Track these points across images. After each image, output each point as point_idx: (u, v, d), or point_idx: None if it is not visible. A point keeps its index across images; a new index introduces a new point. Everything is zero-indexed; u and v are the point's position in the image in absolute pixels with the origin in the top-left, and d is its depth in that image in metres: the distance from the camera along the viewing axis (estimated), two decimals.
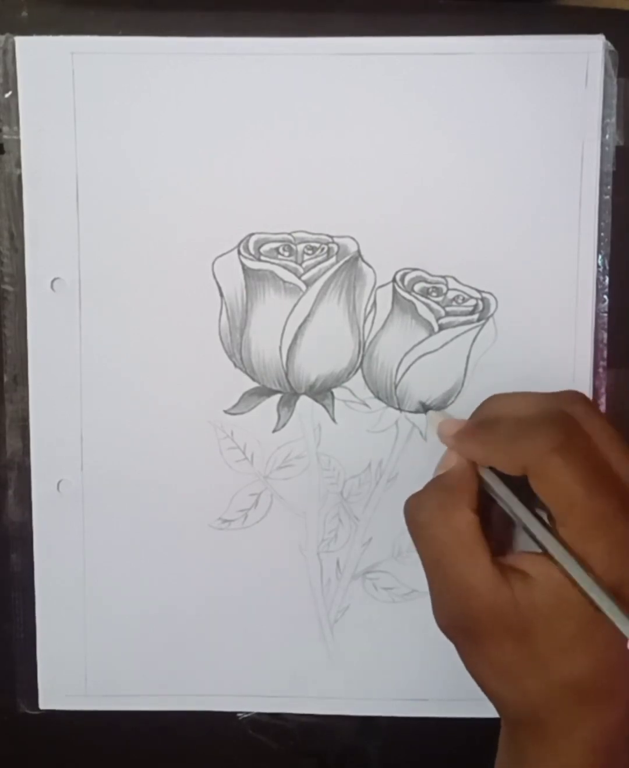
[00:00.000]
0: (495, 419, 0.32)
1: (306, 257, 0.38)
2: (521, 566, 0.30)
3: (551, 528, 0.30)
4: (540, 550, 0.30)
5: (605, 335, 0.38)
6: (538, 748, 0.31)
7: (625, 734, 0.31)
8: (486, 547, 0.30)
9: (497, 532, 0.32)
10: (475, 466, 0.32)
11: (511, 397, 0.33)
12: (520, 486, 0.31)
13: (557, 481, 0.29)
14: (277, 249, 0.38)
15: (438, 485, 0.32)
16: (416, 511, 0.31)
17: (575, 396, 0.32)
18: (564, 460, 0.29)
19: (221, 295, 0.38)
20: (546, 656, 0.29)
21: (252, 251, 0.38)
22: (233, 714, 0.40)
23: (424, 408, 0.37)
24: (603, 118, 0.37)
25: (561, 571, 0.29)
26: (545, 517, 0.30)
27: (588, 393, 0.38)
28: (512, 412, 0.32)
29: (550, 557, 0.29)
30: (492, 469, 0.31)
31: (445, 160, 0.37)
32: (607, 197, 0.37)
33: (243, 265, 0.38)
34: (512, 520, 0.31)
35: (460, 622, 0.30)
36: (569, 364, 0.38)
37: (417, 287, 0.38)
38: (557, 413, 0.30)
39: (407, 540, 0.39)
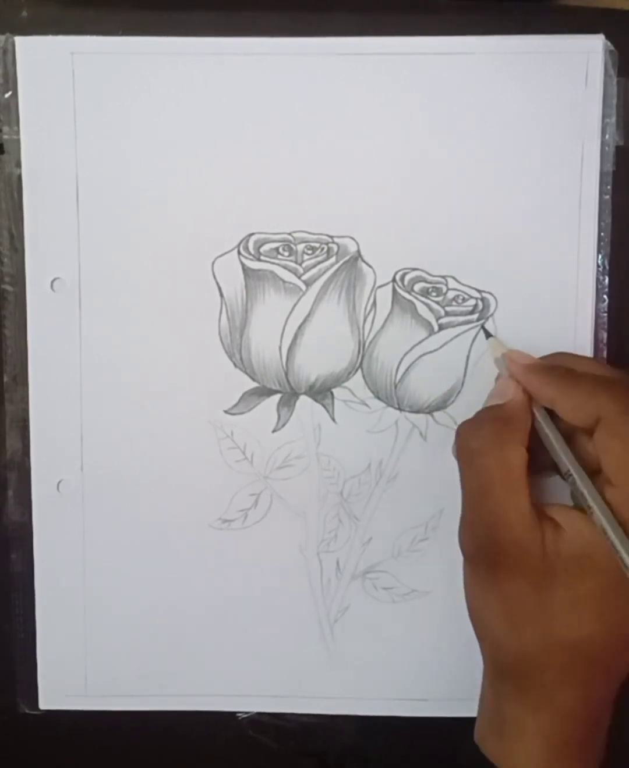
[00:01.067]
0: (569, 368, 0.32)
1: (306, 257, 0.38)
2: (554, 516, 0.30)
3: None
4: (572, 504, 0.31)
5: (605, 335, 0.38)
6: (517, 704, 0.31)
7: (607, 713, 0.31)
8: (527, 487, 0.30)
9: (535, 477, 0.33)
10: (531, 405, 0.32)
11: (582, 357, 0.34)
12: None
13: (626, 439, 0.29)
14: (277, 249, 0.38)
15: (496, 415, 0.32)
16: (469, 436, 0.32)
17: None
18: None
19: (221, 295, 0.38)
20: (557, 608, 0.30)
21: (252, 251, 0.38)
22: (233, 714, 0.40)
23: (486, 333, 0.37)
24: (603, 118, 0.37)
25: (594, 528, 0.29)
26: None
27: None
28: (584, 369, 0.32)
29: (584, 514, 0.30)
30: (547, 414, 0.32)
31: (445, 159, 0.37)
32: (607, 197, 0.37)
33: (243, 265, 0.38)
34: (546, 468, 0.32)
35: (487, 549, 0.31)
36: None
37: (417, 287, 0.38)
38: None
39: (407, 540, 0.39)
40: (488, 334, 0.37)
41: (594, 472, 0.31)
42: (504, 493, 0.30)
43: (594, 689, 0.30)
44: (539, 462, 0.32)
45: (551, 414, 0.32)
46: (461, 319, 0.38)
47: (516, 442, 0.31)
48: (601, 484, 0.30)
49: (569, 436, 0.32)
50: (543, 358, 0.34)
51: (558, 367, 0.33)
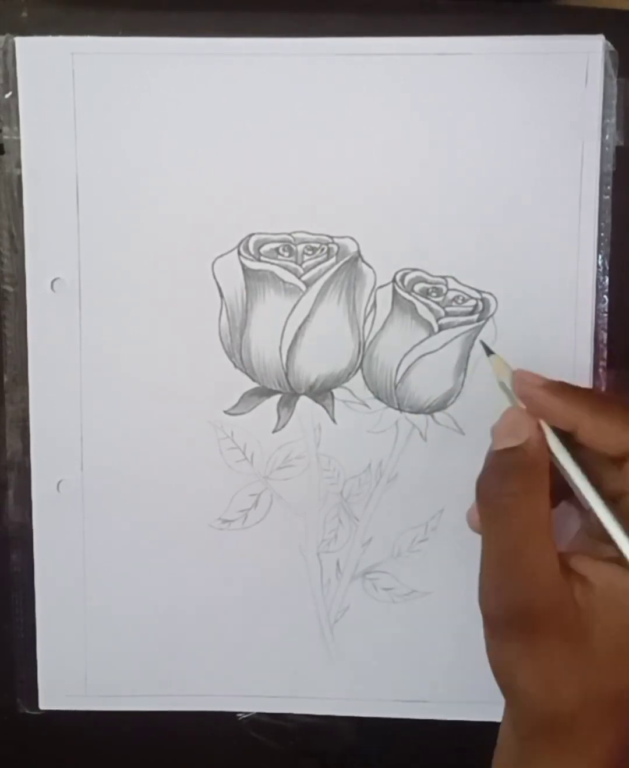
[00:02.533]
0: (596, 391, 0.30)
1: (306, 257, 0.38)
2: (580, 570, 0.29)
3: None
4: (593, 553, 0.29)
5: (605, 335, 0.38)
6: (550, 759, 0.29)
7: None
8: (554, 542, 0.29)
9: None
10: (545, 441, 0.30)
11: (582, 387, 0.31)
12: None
13: None
14: (277, 249, 0.38)
15: (520, 463, 0.29)
16: (498, 492, 0.29)
17: None
18: None
19: (221, 295, 0.38)
20: (597, 663, 0.28)
21: (252, 251, 0.38)
22: (233, 714, 0.40)
23: (487, 350, 0.33)
24: (603, 118, 0.37)
25: (623, 577, 0.28)
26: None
27: None
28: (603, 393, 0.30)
29: (609, 563, 0.29)
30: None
31: (445, 160, 0.37)
32: (607, 197, 0.37)
33: (243, 266, 0.38)
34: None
35: (518, 613, 0.29)
36: (569, 364, 0.38)
37: (417, 287, 0.38)
38: None
39: (407, 540, 0.39)
40: (489, 351, 0.33)
41: (610, 500, 0.30)
42: (537, 553, 0.28)
43: (628, 734, 0.30)
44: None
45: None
46: (461, 319, 0.38)
47: (544, 493, 0.29)
48: (626, 516, 0.29)
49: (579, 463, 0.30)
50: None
51: (584, 388, 0.30)
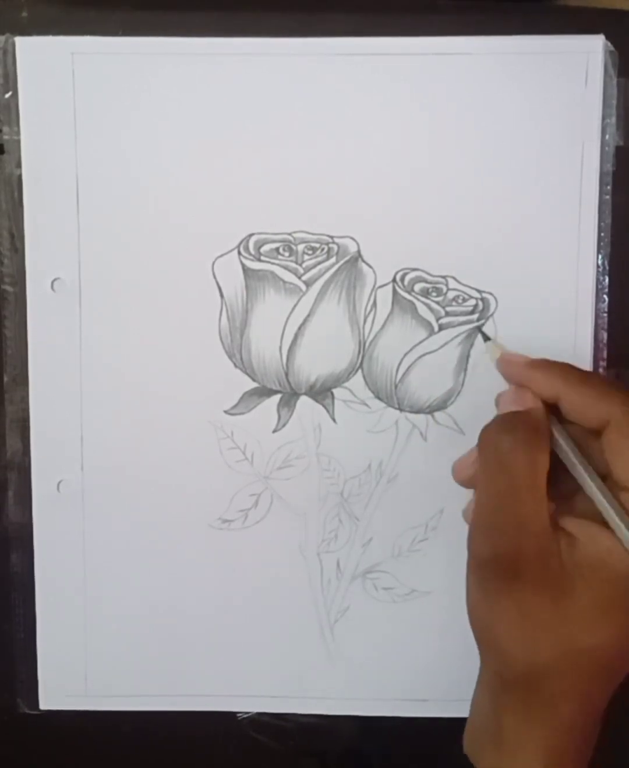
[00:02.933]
0: (574, 366, 0.32)
1: (306, 257, 0.38)
2: (567, 527, 0.30)
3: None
4: (583, 516, 0.30)
5: (605, 335, 0.38)
6: (519, 716, 0.30)
7: (600, 721, 0.31)
8: (546, 493, 0.30)
9: None
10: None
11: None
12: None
13: None
14: (277, 249, 0.38)
15: (522, 421, 0.31)
16: (500, 437, 0.31)
17: None
18: None
19: (221, 295, 0.38)
20: (575, 618, 0.29)
21: (252, 251, 0.38)
22: (233, 714, 0.40)
23: (484, 336, 0.36)
24: (603, 118, 0.37)
25: (607, 535, 0.29)
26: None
27: None
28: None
29: (595, 523, 0.30)
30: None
31: (445, 160, 0.37)
32: (607, 197, 0.37)
33: (243, 266, 0.38)
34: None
35: (506, 555, 0.30)
36: None
37: (417, 287, 0.38)
38: None
39: (407, 540, 0.39)
40: (486, 337, 0.36)
41: (602, 475, 0.31)
42: (529, 498, 0.30)
43: (596, 698, 0.30)
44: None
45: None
46: (461, 319, 0.38)
47: (544, 449, 0.30)
48: (612, 488, 0.30)
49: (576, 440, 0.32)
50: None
51: (563, 364, 0.32)
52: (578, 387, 0.31)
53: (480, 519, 0.31)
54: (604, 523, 0.30)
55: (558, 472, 0.31)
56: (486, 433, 0.32)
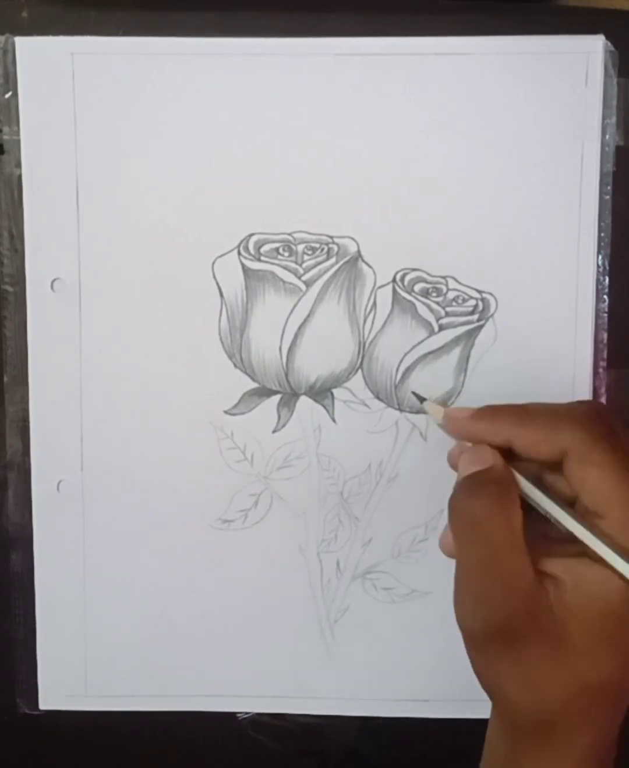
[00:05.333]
0: (518, 405, 0.31)
1: (306, 257, 0.38)
2: (550, 570, 0.29)
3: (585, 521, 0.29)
4: (560, 553, 0.30)
5: (605, 335, 0.38)
6: (537, 753, 0.30)
7: (616, 741, 0.31)
8: (527, 551, 0.29)
9: None
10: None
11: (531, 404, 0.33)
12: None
13: (603, 467, 0.28)
14: (277, 249, 0.38)
15: (490, 479, 0.31)
16: (470, 506, 0.30)
17: (597, 403, 0.32)
18: (610, 446, 0.29)
19: (221, 295, 0.38)
20: (576, 660, 0.29)
21: (252, 251, 0.38)
22: (233, 714, 0.40)
23: (419, 398, 0.36)
24: (603, 118, 0.37)
25: (592, 569, 0.29)
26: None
27: (588, 393, 0.38)
28: (536, 406, 0.31)
29: (575, 558, 0.29)
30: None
31: (445, 160, 0.37)
32: (607, 197, 0.37)
33: (243, 266, 0.38)
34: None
35: (499, 624, 0.29)
36: (569, 364, 0.38)
37: (417, 287, 0.38)
38: (596, 405, 0.31)
39: (407, 540, 0.39)
40: (421, 398, 0.36)
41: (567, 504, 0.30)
42: (512, 559, 0.29)
43: (610, 723, 0.30)
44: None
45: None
46: (461, 319, 0.38)
47: (516, 504, 0.30)
48: (585, 517, 0.29)
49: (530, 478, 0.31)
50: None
51: (506, 406, 0.32)
52: (527, 427, 0.30)
53: (464, 590, 0.30)
54: (584, 556, 0.29)
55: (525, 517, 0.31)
56: (455, 501, 0.31)
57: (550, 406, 0.31)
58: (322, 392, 0.38)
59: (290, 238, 0.38)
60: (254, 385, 0.38)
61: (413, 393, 0.37)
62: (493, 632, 0.30)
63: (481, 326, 0.38)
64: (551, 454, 0.30)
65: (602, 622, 0.29)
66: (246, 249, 0.38)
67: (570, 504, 0.30)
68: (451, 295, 0.38)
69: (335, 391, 0.38)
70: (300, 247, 0.38)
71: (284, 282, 0.38)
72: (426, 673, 0.39)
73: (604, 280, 0.38)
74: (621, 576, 0.28)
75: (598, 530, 0.29)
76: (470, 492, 0.31)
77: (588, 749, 0.30)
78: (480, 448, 0.31)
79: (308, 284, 0.38)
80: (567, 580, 0.29)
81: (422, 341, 0.38)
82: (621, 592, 0.29)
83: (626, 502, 0.28)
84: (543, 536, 0.31)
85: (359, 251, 0.38)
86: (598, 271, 0.38)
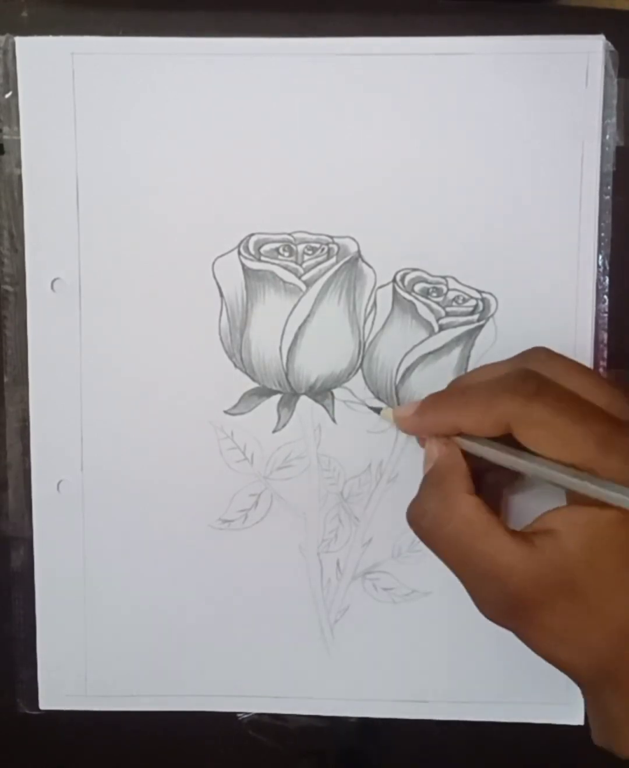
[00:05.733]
0: (455, 388, 0.32)
1: (306, 257, 0.38)
2: (540, 527, 0.29)
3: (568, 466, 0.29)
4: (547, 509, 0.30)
5: (605, 335, 0.38)
6: (619, 703, 0.30)
7: None
8: (499, 523, 0.29)
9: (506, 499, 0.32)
10: (460, 452, 0.31)
11: (468, 373, 0.34)
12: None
13: (545, 423, 0.29)
14: (277, 249, 0.38)
15: (430, 482, 0.32)
16: (420, 517, 0.31)
17: (533, 350, 0.32)
18: (546, 401, 0.29)
19: (221, 295, 0.38)
20: (599, 603, 0.29)
21: (252, 251, 0.38)
22: (233, 714, 0.40)
23: (374, 410, 0.37)
24: (603, 119, 0.37)
25: (583, 513, 0.29)
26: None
27: None
28: (477, 379, 0.32)
29: (565, 508, 0.29)
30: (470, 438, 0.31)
31: (445, 160, 0.37)
32: (607, 197, 0.37)
33: (243, 266, 0.38)
34: (499, 496, 0.31)
35: (506, 605, 0.30)
36: None
37: (417, 287, 0.38)
38: (522, 370, 0.31)
39: (407, 540, 0.39)
40: (377, 410, 0.36)
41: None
42: (481, 545, 0.29)
43: None
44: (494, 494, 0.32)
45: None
46: (461, 319, 0.38)
47: (460, 494, 0.30)
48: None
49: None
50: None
51: (443, 392, 0.32)
52: (466, 408, 0.30)
53: (464, 585, 0.31)
54: (566, 507, 0.30)
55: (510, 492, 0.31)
56: (407, 517, 0.32)
57: (484, 382, 0.31)
58: (322, 392, 0.38)
59: (290, 238, 0.38)
60: (254, 385, 0.38)
61: (369, 406, 0.38)
62: (506, 611, 0.30)
63: (481, 326, 0.38)
64: (497, 428, 0.30)
65: (609, 559, 0.29)
66: (246, 249, 0.38)
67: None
68: (451, 295, 0.38)
69: (335, 391, 0.38)
70: (300, 247, 0.38)
71: (284, 282, 0.38)
72: (426, 674, 0.39)
73: (604, 280, 0.38)
74: (611, 505, 0.28)
75: (572, 472, 0.29)
76: (414, 503, 0.32)
77: None
78: (427, 445, 0.32)
79: (308, 284, 0.38)
80: (559, 530, 0.29)
81: (422, 341, 0.38)
82: (614, 523, 0.28)
83: (583, 443, 0.28)
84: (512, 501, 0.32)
85: (359, 251, 0.38)
86: (598, 271, 0.38)
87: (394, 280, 0.38)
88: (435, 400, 0.32)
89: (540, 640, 0.30)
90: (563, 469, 0.29)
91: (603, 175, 0.37)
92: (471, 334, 0.38)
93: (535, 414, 0.29)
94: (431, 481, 0.32)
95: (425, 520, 0.31)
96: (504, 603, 0.30)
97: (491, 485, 0.34)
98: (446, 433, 0.32)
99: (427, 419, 0.32)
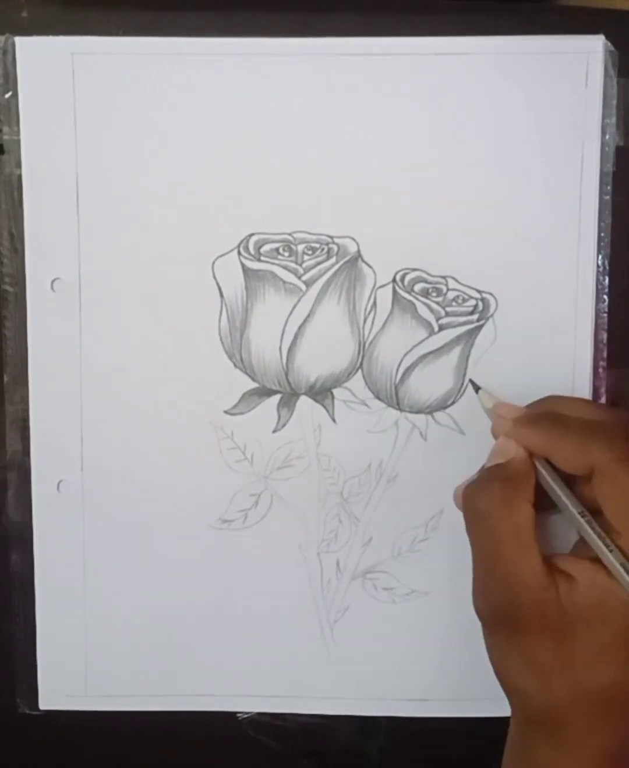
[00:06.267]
0: (558, 414, 0.32)
1: (306, 257, 0.38)
2: (567, 568, 0.30)
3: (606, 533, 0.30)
4: (584, 555, 0.30)
5: (605, 335, 0.38)
6: (550, 750, 0.31)
7: None
8: (538, 545, 0.30)
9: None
10: (532, 460, 0.32)
11: (571, 399, 0.34)
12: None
13: (625, 487, 0.29)
14: (277, 249, 0.38)
15: (501, 475, 0.32)
16: (477, 499, 0.32)
17: None
18: None
19: (221, 295, 0.38)
20: (580, 660, 0.30)
21: (252, 251, 0.38)
22: (233, 714, 0.40)
23: (475, 386, 0.36)
24: (603, 118, 0.37)
25: (606, 576, 0.29)
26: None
27: (588, 393, 0.38)
28: (574, 413, 0.32)
29: (594, 563, 0.30)
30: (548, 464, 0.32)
31: (445, 160, 0.37)
32: (607, 197, 0.37)
33: (243, 266, 0.38)
34: (550, 507, 0.32)
35: (503, 612, 0.31)
36: (569, 364, 0.38)
37: (417, 287, 0.38)
38: (624, 421, 0.31)
39: (407, 540, 0.39)
40: (476, 387, 0.36)
41: (597, 513, 0.31)
42: (516, 555, 0.30)
43: (624, 728, 0.30)
44: (543, 502, 0.32)
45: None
46: (461, 319, 0.38)
47: (523, 501, 0.31)
48: (605, 528, 0.30)
49: (572, 478, 0.32)
50: (532, 404, 0.34)
51: (547, 415, 0.32)
52: (560, 441, 0.31)
53: (476, 578, 0.32)
54: (602, 563, 0.30)
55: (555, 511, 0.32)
56: (467, 491, 0.32)
57: (586, 421, 0.31)
58: (322, 392, 0.38)
59: (290, 238, 0.38)
60: (254, 385, 0.38)
61: (471, 381, 0.37)
62: (499, 618, 0.31)
63: (481, 326, 0.38)
64: (582, 468, 0.30)
65: (606, 629, 0.29)
66: (246, 249, 0.38)
67: (599, 511, 0.31)
68: (451, 295, 0.38)
69: (335, 391, 0.38)
70: (300, 247, 0.38)
71: (284, 282, 0.38)
72: (426, 673, 0.39)
73: (604, 280, 0.38)
74: (624, 588, 0.29)
75: (612, 541, 0.30)
76: (480, 485, 0.32)
77: (604, 749, 0.30)
78: (505, 440, 0.33)
79: (308, 284, 0.38)
80: (581, 581, 0.30)
81: (422, 341, 0.38)
82: (625, 604, 0.29)
83: None
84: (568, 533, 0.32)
85: (359, 251, 0.38)
86: (598, 271, 0.38)
87: (394, 280, 0.38)
88: (537, 420, 0.32)
89: (508, 658, 0.31)
90: (604, 540, 0.30)
91: (602, 175, 0.37)
92: (471, 334, 0.38)
93: (621, 477, 0.29)
94: (500, 475, 0.32)
95: (479, 505, 0.31)
96: (501, 610, 0.31)
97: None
98: (531, 452, 0.32)
99: (522, 433, 0.32)
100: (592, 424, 0.31)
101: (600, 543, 0.30)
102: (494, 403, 0.34)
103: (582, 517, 0.31)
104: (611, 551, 0.30)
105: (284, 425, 0.39)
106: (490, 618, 0.31)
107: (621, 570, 0.29)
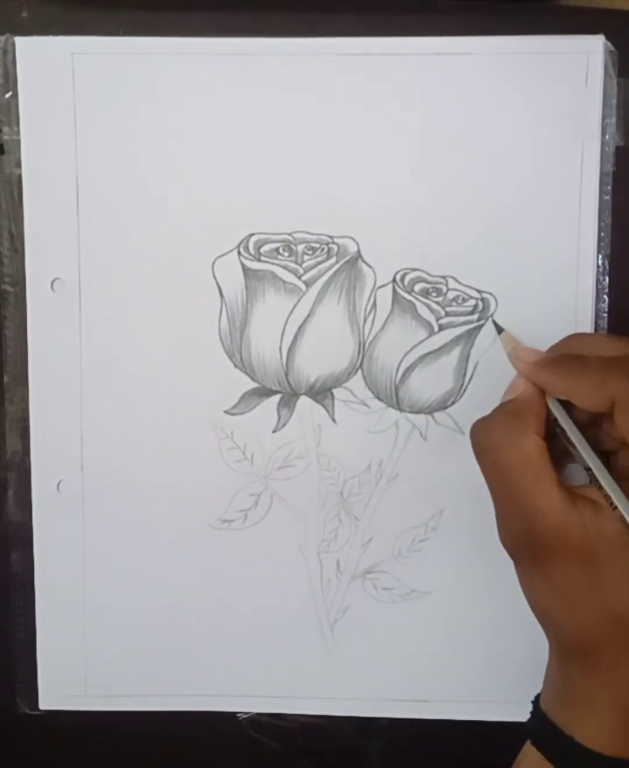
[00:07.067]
0: (577, 355, 0.32)
1: (306, 257, 0.38)
2: (591, 495, 0.31)
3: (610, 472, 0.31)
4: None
5: None
6: (587, 678, 0.31)
7: None
8: (552, 472, 0.30)
9: (558, 466, 0.33)
10: (543, 396, 0.32)
11: (592, 336, 0.35)
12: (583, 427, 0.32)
13: None
14: (277, 249, 0.38)
15: (506, 409, 0.32)
16: (483, 434, 0.32)
17: None
18: None
19: (221, 295, 0.38)
20: (608, 585, 0.30)
21: (252, 251, 0.38)
22: (233, 714, 0.40)
23: (497, 328, 0.36)
24: (603, 119, 0.37)
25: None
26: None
27: None
28: (594, 351, 0.32)
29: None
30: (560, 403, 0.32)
31: (445, 160, 0.37)
32: (607, 197, 0.37)
33: (243, 266, 0.38)
34: (570, 456, 0.32)
35: (525, 541, 0.31)
36: None
37: (417, 287, 0.38)
38: None
39: (407, 540, 0.39)
40: (499, 329, 0.36)
41: (608, 454, 0.32)
42: (528, 484, 0.30)
43: None
44: (567, 452, 0.32)
45: (569, 406, 0.32)
46: (461, 319, 0.38)
47: (529, 431, 0.31)
48: (624, 463, 0.31)
49: (591, 423, 0.32)
50: (554, 346, 0.34)
51: (565, 356, 0.32)
52: (578, 379, 0.31)
53: (497, 514, 0.32)
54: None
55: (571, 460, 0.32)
56: (472, 431, 0.32)
57: (604, 358, 0.31)
58: (322, 392, 0.38)
59: (290, 238, 0.38)
60: (254, 385, 0.38)
61: (493, 321, 0.37)
62: (522, 548, 0.31)
63: (481, 326, 0.38)
64: (601, 405, 0.30)
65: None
66: (246, 249, 0.38)
67: (613, 453, 0.32)
68: (451, 295, 0.38)
69: (335, 391, 0.38)
70: (300, 247, 0.38)
71: (284, 282, 0.38)
72: (426, 674, 0.39)
73: (604, 280, 0.38)
74: (621, 519, 0.29)
75: (613, 473, 0.30)
76: (484, 422, 0.32)
77: None
78: (516, 378, 0.33)
79: (308, 284, 0.38)
80: (606, 507, 0.30)
81: (422, 341, 0.38)
82: None
83: None
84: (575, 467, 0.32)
85: (359, 251, 0.38)
86: (598, 271, 0.38)
87: (394, 280, 0.38)
88: (557, 362, 0.32)
89: (537, 586, 0.31)
90: (601, 468, 0.31)
91: (602, 175, 0.37)
92: (471, 334, 0.38)
93: None
94: (508, 409, 0.32)
95: (487, 440, 0.32)
96: (523, 540, 0.31)
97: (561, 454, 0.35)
98: (552, 394, 0.32)
99: (542, 374, 0.32)
100: (610, 360, 0.31)
101: (604, 483, 0.30)
102: (514, 346, 0.34)
103: (590, 457, 0.31)
104: (615, 493, 0.30)
105: (284, 425, 0.39)
106: (515, 550, 0.32)
107: (623, 510, 0.29)
